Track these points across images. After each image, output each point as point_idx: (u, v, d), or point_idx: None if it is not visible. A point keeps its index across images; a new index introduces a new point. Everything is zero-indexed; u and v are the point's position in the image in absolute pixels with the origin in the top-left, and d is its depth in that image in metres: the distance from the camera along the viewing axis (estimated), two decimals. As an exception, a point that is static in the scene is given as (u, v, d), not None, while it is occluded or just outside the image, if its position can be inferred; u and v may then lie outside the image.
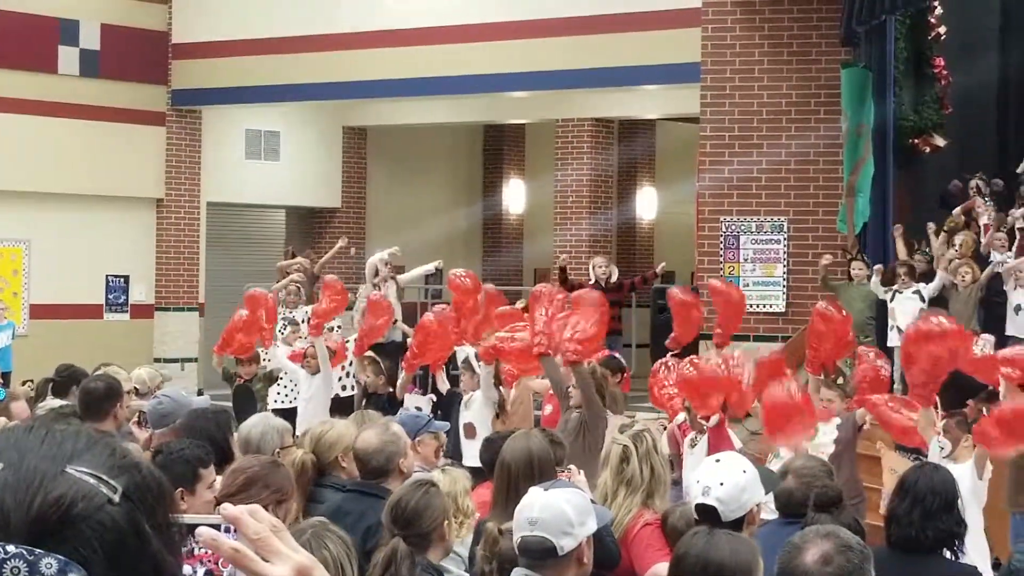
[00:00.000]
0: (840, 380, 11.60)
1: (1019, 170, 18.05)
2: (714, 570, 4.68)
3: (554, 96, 24.24)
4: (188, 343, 25.43)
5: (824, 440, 10.48)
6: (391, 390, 14.57)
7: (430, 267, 20.28)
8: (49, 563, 1.53)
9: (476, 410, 12.55)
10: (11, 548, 1.53)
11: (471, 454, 11.49)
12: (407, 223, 27.27)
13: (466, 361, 13.15)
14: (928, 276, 16.62)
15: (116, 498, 1.60)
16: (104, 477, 1.61)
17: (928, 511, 6.42)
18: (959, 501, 6.56)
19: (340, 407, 13.33)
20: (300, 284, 19.38)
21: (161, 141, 25.45)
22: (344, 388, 15.81)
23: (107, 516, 1.58)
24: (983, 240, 17.02)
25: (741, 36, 18.73)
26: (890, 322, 16.13)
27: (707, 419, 10.64)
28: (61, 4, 24.06)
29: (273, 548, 1.84)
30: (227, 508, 1.86)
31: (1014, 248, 16.45)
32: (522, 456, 6.74)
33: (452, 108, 26.46)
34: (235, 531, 1.87)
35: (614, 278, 19.58)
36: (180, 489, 6.21)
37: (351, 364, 15.79)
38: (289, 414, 14.30)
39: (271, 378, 15.96)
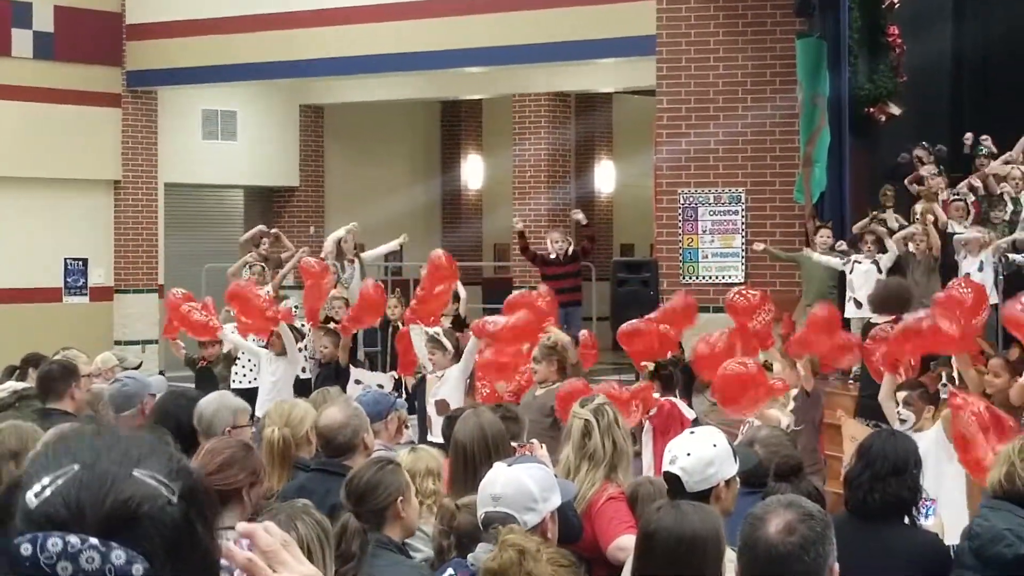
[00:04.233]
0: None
1: (966, 151, 18.15)
2: (688, 543, 4.70)
3: (510, 71, 24.23)
4: (148, 325, 25.34)
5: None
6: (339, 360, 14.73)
7: (394, 244, 20.17)
8: (119, 555, 1.75)
9: (451, 387, 12.49)
10: (91, 540, 1.75)
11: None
12: (366, 200, 27.24)
13: (434, 339, 13.11)
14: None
15: (174, 499, 1.83)
16: (164, 480, 1.83)
17: (877, 474, 6.42)
18: (915, 469, 6.56)
19: (301, 390, 13.29)
20: (264, 264, 19.21)
21: (117, 123, 25.35)
22: (304, 371, 15.71)
23: (167, 515, 1.81)
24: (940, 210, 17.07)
25: (696, 8, 18.76)
26: (848, 293, 16.14)
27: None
28: (13, -13, 23.94)
29: (282, 559, 2.12)
30: (243, 525, 2.14)
31: (970, 219, 16.52)
32: (475, 433, 6.76)
33: (408, 85, 26.39)
34: (249, 544, 2.14)
35: (570, 251, 19.56)
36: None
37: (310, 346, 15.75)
38: (249, 394, 14.26)
39: (231, 359, 15.91)
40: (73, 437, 1.87)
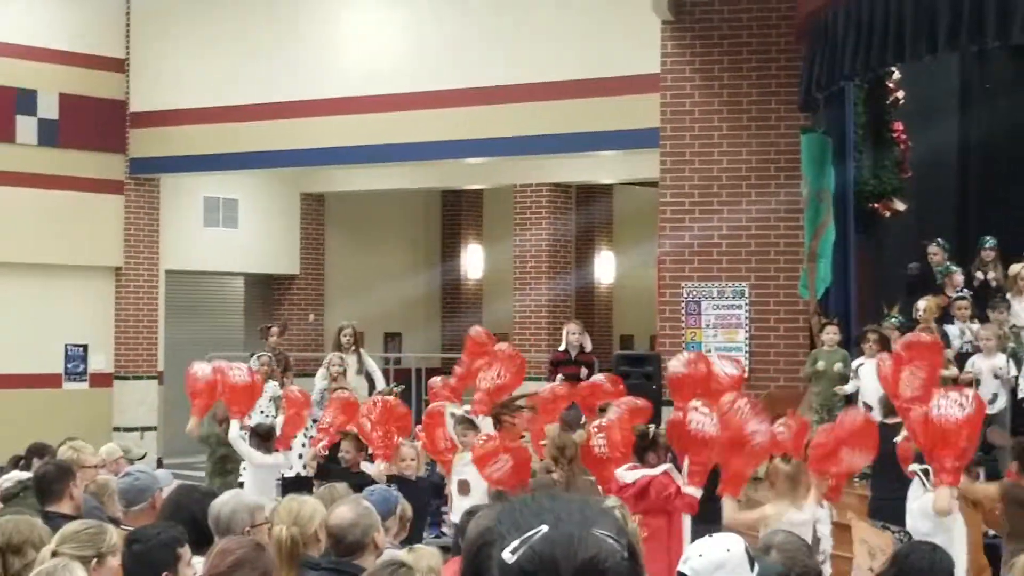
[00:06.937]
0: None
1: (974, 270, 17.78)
2: None
3: (511, 162, 24.29)
4: (147, 412, 25.27)
5: (800, 518, 10.12)
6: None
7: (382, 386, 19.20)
8: None
9: (474, 468, 12.22)
10: None
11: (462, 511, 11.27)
12: (366, 289, 27.26)
13: (466, 418, 12.93)
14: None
15: (626, 555, 2.06)
16: (616, 538, 2.07)
17: None
18: None
19: (301, 487, 12.98)
20: (272, 356, 19.01)
21: (120, 209, 25.38)
22: (304, 467, 15.33)
23: (623, 568, 2.05)
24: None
25: (700, 102, 18.79)
26: (859, 398, 15.23)
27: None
28: (19, 74, 24.00)
29: None
30: None
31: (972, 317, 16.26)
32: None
33: (409, 174, 26.46)
34: None
35: (588, 347, 18.95)
36: (165, 574, 6.21)
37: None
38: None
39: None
40: (532, 504, 2.13)
